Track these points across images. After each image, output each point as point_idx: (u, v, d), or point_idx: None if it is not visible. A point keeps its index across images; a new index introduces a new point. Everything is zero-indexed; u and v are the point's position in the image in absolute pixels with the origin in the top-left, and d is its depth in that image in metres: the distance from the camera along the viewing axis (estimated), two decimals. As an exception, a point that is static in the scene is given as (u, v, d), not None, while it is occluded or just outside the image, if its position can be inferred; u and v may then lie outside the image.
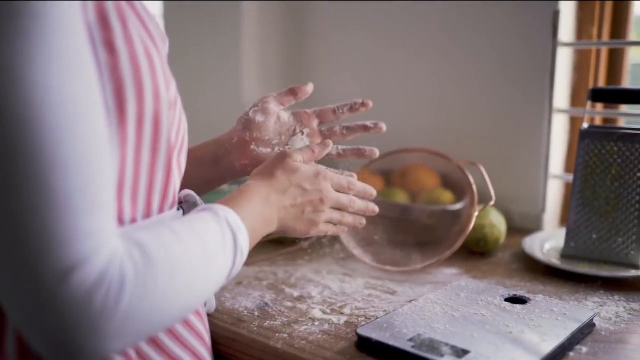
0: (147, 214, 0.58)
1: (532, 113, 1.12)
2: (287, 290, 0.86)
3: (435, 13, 1.21)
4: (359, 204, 0.76)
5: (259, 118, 0.81)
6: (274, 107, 0.82)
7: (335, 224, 0.76)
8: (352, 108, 0.86)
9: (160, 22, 1.51)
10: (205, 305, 0.75)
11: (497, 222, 1.01)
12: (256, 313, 0.78)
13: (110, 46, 0.51)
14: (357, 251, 0.96)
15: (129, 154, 0.54)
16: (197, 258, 0.53)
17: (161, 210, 0.60)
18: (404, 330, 0.68)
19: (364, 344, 0.68)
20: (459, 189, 1.06)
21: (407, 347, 0.64)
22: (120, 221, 0.54)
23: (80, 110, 0.46)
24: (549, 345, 0.65)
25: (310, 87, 0.86)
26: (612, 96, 0.95)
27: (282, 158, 0.72)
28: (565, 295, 0.84)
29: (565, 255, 0.96)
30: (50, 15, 0.45)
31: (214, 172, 0.80)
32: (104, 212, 0.46)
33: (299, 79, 1.45)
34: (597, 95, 0.94)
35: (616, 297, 0.82)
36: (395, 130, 1.30)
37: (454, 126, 1.23)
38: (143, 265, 0.48)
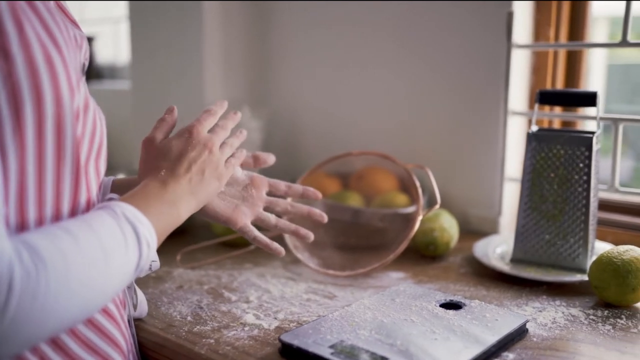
0: (57, 221, 0.57)
1: (488, 115, 1.11)
2: (226, 294, 0.85)
3: (392, 14, 1.21)
4: (226, 123, 0.76)
5: None
6: None
7: (234, 156, 0.75)
8: (304, 194, 0.85)
9: (126, 24, 1.51)
10: (135, 310, 0.74)
11: (448, 226, 1.00)
12: (189, 318, 0.77)
13: (3, 51, 0.50)
14: (302, 255, 0.95)
15: (29, 161, 0.53)
16: (94, 256, 0.52)
17: (73, 217, 0.59)
18: (328, 337, 0.67)
19: (286, 350, 0.67)
20: (414, 192, 1.05)
21: (326, 353, 0.63)
22: (24, 228, 0.54)
23: None
24: (471, 352, 0.64)
25: (271, 160, 0.85)
26: (558, 99, 0.94)
27: (149, 148, 0.70)
28: (507, 300, 0.83)
29: (514, 259, 0.95)
30: None
31: None
32: None
33: (261, 80, 1.44)
34: (545, 98, 0.93)
35: (557, 302, 0.81)
36: (354, 132, 1.30)
37: (411, 128, 1.22)
38: (33, 267, 0.47)
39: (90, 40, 1.86)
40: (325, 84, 1.34)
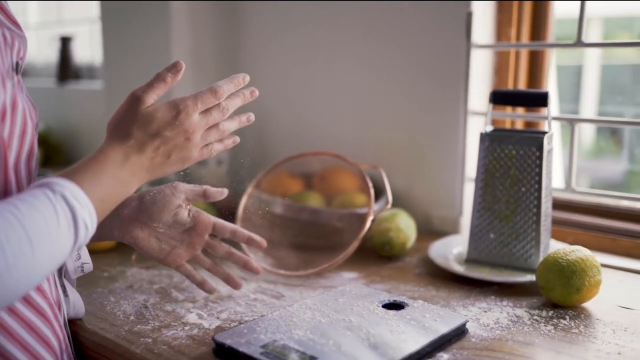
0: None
1: (448, 115, 1.11)
2: (174, 294, 0.85)
3: (355, 16, 1.20)
4: (232, 104, 0.71)
5: (153, 205, 0.76)
6: (178, 200, 0.78)
7: (222, 141, 0.73)
8: (249, 241, 0.83)
9: (98, 25, 1.51)
10: (73, 308, 0.74)
11: (405, 226, 1.00)
12: (131, 317, 0.77)
13: None
14: (255, 254, 0.95)
15: None
16: (17, 241, 0.50)
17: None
18: (262, 336, 0.67)
19: (219, 350, 0.67)
20: (376, 192, 1.05)
21: (256, 353, 0.63)
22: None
23: None
24: (404, 351, 0.64)
25: (221, 196, 0.79)
26: (511, 99, 0.94)
27: (134, 107, 0.65)
28: (454, 300, 0.83)
29: (469, 259, 0.95)
30: None
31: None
32: None
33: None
34: (498, 98, 0.93)
35: (504, 303, 0.81)
36: (321, 132, 1.30)
37: (374, 128, 1.22)
38: None
39: (67, 40, 1.87)
40: (294, 85, 1.34)
